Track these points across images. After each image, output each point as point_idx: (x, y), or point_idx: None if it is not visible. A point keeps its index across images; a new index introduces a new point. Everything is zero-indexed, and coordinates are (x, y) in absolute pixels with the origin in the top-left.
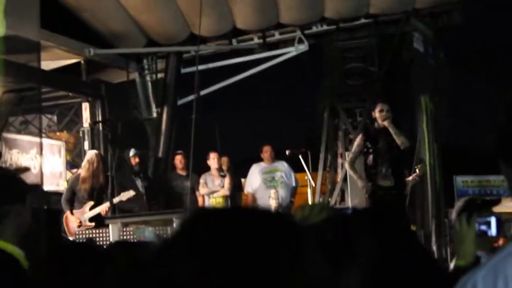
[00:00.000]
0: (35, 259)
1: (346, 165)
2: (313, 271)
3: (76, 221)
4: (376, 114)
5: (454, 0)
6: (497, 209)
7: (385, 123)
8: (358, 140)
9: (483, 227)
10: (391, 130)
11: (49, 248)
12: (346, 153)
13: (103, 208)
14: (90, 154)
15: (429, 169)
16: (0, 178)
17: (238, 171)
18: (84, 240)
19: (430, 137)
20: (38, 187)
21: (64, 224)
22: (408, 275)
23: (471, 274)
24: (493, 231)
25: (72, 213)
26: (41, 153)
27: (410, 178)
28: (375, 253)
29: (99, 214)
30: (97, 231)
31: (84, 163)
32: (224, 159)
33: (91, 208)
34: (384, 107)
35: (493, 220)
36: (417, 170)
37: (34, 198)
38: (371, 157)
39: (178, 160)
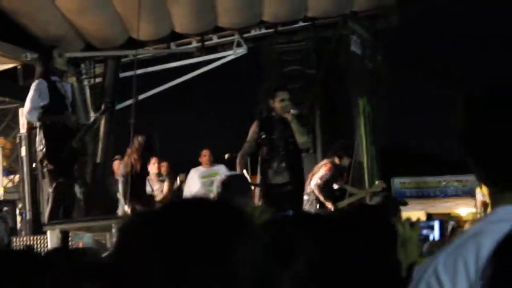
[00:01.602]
0: None
1: (238, 158)
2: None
3: None
4: (276, 104)
5: (391, 3)
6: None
7: (287, 116)
8: (252, 127)
9: (426, 231)
10: (293, 126)
11: None
12: None
13: None
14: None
15: (366, 172)
16: None
17: (176, 176)
18: (22, 247)
19: (368, 139)
20: None
21: None
22: (350, 274)
23: (432, 258)
24: (436, 234)
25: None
26: None
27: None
28: (313, 254)
29: None
30: (35, 237)
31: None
32: (164, 164)
33: None
34: (285, 95)
35: (436, 224)
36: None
37: None
38: (265, 149)
39: (116, 165)
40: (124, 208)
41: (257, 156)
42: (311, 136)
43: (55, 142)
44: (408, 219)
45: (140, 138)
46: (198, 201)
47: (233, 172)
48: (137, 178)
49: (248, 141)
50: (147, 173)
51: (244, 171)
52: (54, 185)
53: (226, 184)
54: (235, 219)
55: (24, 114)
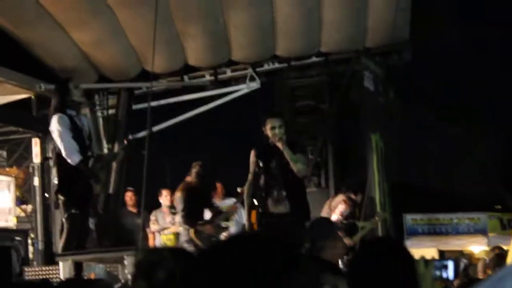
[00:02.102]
0: None
1: (245, 190)
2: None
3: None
4: (268, 131)
5: (404, 39)
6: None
7: (279, 144)
8: (251, 157)
9: (441, 271)
10: (286, 155)
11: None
12: None
13: None
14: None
15: (379, 207)
16: None
17: None
18: (38, 279)
19: (381, 176)
20: None
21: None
22: None
23: None
24: (450, 274)
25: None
26: None
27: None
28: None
29: None
30: (48, 268)
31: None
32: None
33: None
34: (275, 123)
35: (450, 264)
36: (376, 218)
37: None
38: (263, 178)
39: (129, 197)
40: (183, 233)
41: (256, 188)
42: (308, 163)
43: (69, 174)
44: (423, 257)
45: (197, 166)
46: (254, 238)
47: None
48: (196, 204)
49: (251, 172)
50: (207, 200)
51: (254, 201)
52: (66, 216)
53: (310, 227)
54: (288, 254)
55: (65, 156)
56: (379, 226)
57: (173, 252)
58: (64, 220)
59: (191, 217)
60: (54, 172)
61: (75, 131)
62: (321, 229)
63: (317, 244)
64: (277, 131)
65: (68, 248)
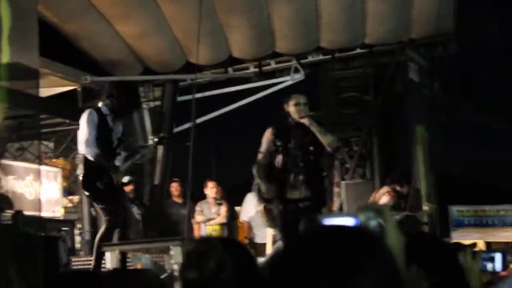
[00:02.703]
0: (33, 286)
1: (254, 170)
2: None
3: None
4: (290, 108)
5: (449, 30)
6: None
7: (304, 121)
8: (266, 135)
9: (487, 263)
10: (313, 129)
11: (47, 275)
12: (342, 182)
13: None
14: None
15: (424, 199)
16: None
17: (230, 199)
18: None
19: (426, 167)
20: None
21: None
22: None
23: None
24: (497, 266)
25: None
26: (39, 180)
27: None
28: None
29: None
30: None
31: None
32: (220, 188)
33: None
34: (300, 99)
35: (497, 256)
36: (426, 208)
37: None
38: (280, 158)
39: (174, 187)
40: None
41: (271, 167)
42: (336, 137)
43: (92, 172)
44: (470, 249)
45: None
46: (335, 230)
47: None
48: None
49: (262, 152)
50: None
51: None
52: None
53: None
54: (364, 245)
55: (81, 148)
56: (425, 218)
57: (223, 242)
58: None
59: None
60: (80, 168)
61: (101, 129)
62: (409, 226)
63: None
64: (302, 107)
65: (107, 239)
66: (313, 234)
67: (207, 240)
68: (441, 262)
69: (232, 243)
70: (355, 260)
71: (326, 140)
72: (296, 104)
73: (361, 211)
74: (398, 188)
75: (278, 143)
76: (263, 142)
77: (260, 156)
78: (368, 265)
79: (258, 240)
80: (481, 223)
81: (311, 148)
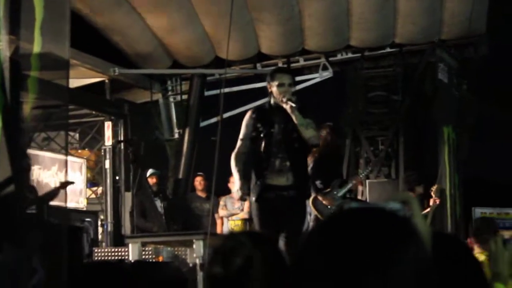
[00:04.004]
0: (56, 276)
1: (232, 159)
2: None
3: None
4: (273, 88)
5: (481, 32)
6: None
7: (286, 106)
8: (246, 120)
9: None
10: (295, 119)
11: (71, 266)
12: (367, 181)
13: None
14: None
15: (449, 200)
16: None
17: None
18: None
19: (452, 168)
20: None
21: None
22: None
23: None
24: None
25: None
26: (66, 171)
27: (431, 202)
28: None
29: None
30: (117, 249)
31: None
32: None
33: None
34: (285, 79)
35: None
36: (432, 193)
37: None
38: (263, 144)
39: (198, 181)
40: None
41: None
42: (316, 130)
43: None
44: (501, 236)
45: (326, 128)
46: (366, 211)
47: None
48: (325, 170)
49: (242, 139)
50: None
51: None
52: None
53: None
54: (400, 228)
55: None
56: (449, 219)
57: (251, 237)
58: None
59: (316, 183)
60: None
61: None
62: (488, 226)
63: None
64: (286, 88)
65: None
66: (344, 217)
67: (235, 235)
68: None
69: (261, 238)
70: (390, 249)
71: (306, 134)
72: (280, 85)
73: (388, 202)
74: (414, 187)
75: (261, 128)
76: (242, 127)
77: (239, 143)
78: (403, 253)
79: None
80: (504, 226)
81: (295, 135)
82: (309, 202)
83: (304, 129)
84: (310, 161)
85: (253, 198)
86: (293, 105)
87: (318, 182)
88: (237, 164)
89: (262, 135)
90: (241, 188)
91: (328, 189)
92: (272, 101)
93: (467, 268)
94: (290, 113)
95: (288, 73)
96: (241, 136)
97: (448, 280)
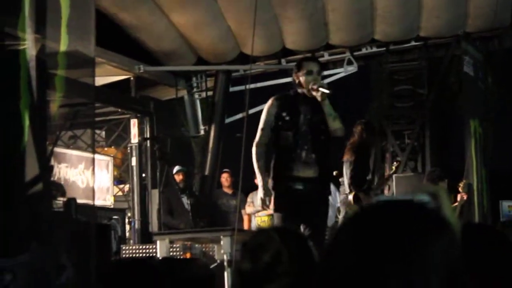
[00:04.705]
0: (85, 273)
1: (253, 153)
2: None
3: None
4: (301, 77)
5: (506, 24)
6: None
7: (317, 94)
8: (267, 108)
9: None
10: (325, 108)
11: (99, 263)
12: (394, 176)
13: None
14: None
15: (476, 194)
16: None
17: None
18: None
19: (479, 161)
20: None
21: None
22: None
23: None
24: None
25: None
26: (93, 169)
27: (458, 197)
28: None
29: None
30: (144, 247)
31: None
32: None
33: None
34: (313, 66)
35: None
36: (460, 188)
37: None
38: (288, 134)
39: (225, 178)
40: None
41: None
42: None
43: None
44: None
45: (360, 125)
46: (397, 203)
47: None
48: (363, 166)
49: (263, 128)
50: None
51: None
52: None
53: None
54: (432, 219)
55: None
56: (476, 214)
57: (280, 233)
58: None
59: (357, 180)
60: None
61: None
62: None
63: None
64: (315, 76)
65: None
66: (374, 211)
67: (264, 231)
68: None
69: (290, 234)
70: (422, 242)
71: (333, 125)
72: (308, 72)
73: (416, 194)
74: (438, 183)
75: (287, 117)
76: (264, 115)
77: (260, 133)
78: (435, 246)
79: None
80: None
81: (322, 127)
82: (350, 199)
83: (332, 119)
84: (346, 159)
85: (279, 190)
86: (326, 91)
87: (350, 176)
88: (259, 159)
89: (288, 125)
90: (264, 193)
91: (365, 186)
92: (299, 91)
93: (505, 256)
94: (321, 100)
95: (315, 61)
96: (262, 125)
97: (485, 269)
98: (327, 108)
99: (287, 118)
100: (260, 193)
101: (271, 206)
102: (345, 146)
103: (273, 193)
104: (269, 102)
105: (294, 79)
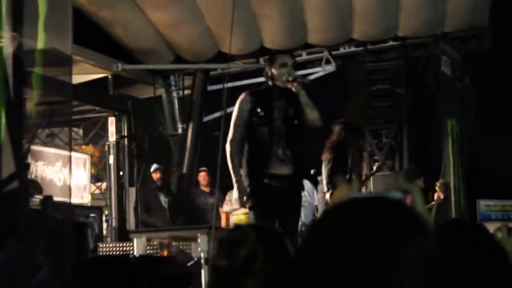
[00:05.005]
0: (61, 271)
1: (228, 150)
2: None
3: None
4: (274, 70)
5: (484, 24)
6: None
7: (293, 85)
8: (240, 104)
9: None
10: (302, 99)
11: (76, 261)
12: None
13: None
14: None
15: (453, 193)
16: None
17: None
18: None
19: (456, 161)
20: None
21: None
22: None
23: None
24: None
25: None
26: (70, 167)
27: (435, 196)
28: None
29: None
30: (121, 245)
31: None
32: None
33: None
34: (287, 59)
35: None
36: (437, 188)
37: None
38: (264, 130)
39: (202, 177)
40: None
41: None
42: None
43: None
44: (506, 225)
45: (339, 124)
46: (373, 200)
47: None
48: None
49: (237, 124)
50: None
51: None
52: None
53: None
54: (407, 215)
55: None
56: (453, 212)
57: (256, 230)
58: None
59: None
60: None
61: None
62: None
63: None
64: (289, 68)
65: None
66: (349, 207)
67: (239, 228)
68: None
69: (265, 231)
70: (398, 238)
71: (311, 115)
72: (282, 65)
73: (389, 192)
74: (414, 181)
75: (261, 113)
76: (237, 112)
77: (234, 130)
78: (411, 242)
79: None
80: (508, 218)
81: (295, 121)
82: (327, 197)
83: (310, 109)
84: (325, 158)
85: (254, 187)
86: (304, 81)
87: (327, 174)
88: (233, 157)
89: (262, 121)
90: (240, 191)
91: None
92: (271, 84)
93: (491, 253)
94: (297, 91)
95: (289, 54)
96: (235, 121)
97: (466, 264)
98: (304, 99)
99: (262, 113)
100: (235, 193)
101: (248, 204)
102: (324, 144)
103: (248, 190)
104: (242, 97)
105: (266, 72)
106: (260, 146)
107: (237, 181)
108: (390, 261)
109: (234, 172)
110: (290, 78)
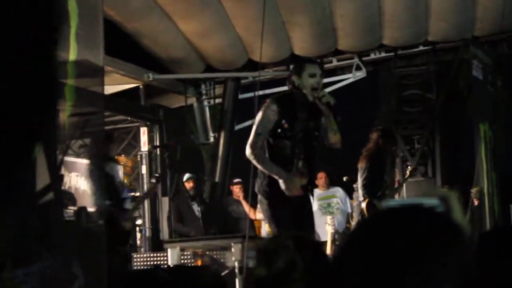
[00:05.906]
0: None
1: (252, 154)
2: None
3: None
4: (303, 80)
5: None
6: None
7: (320, 103)
8: (267, 111)
9: None
10: (329, 124)
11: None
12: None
13: None
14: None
15: (487, 198)
16: None
17: None
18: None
19: (489, 166)
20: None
21: None
22: None
23: None
24: None
25: None
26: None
27: (470, 203)
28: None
29: None
30: (155, 255)
31: None
32: None
33: None
34: (316, 69)
35: None
36: (472, 194)
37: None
38: (286, 143)
39: (238, 188)
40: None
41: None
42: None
43: None
44: None
45: (376, 132)
46: (409, 208)
47: None
48: (378, 173)
49: (260, 133)
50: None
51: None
52: None
53: None
54: (445, 225)
55: None
56: (487, 218)
57: (295, 240)
58: None
59: (371, 187)
60: None
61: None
62: None
63: None
64: (318, 78)
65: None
66: (385, 216)
67: (278, 238)
68: None
69: (304, 241)
70: (435, 249)
71: (333, 139)
72: (312, 75)
73: (426, 198)
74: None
75: (286, 125)
76: (262, 120)
77: (256, 138)
78: (448, 253)
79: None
80: None
81: (316, 133)
82: (363, 206)
83: (333, 134)
84: (361, 166)
85: (275, 199)
86: (330, 102)
87: (363, 183)
88: (262, 158)
89: (286, 133)
90: (285, 180)
91: (379, 193)
92: (294, 94)
93: None
94: (322, 110)
95: (317, 63)
96: (258, 129)
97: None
98: (331, 124)
99: (286, 125)
100: (282, 186)
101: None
102: (360, 153)
103: (266, 202)
104: (269, 106)
105: (292, 80)
106: (281, 157)
107: (277, 174)
108: (427, 272)
109: (269, 169)
110: (317, 92)
